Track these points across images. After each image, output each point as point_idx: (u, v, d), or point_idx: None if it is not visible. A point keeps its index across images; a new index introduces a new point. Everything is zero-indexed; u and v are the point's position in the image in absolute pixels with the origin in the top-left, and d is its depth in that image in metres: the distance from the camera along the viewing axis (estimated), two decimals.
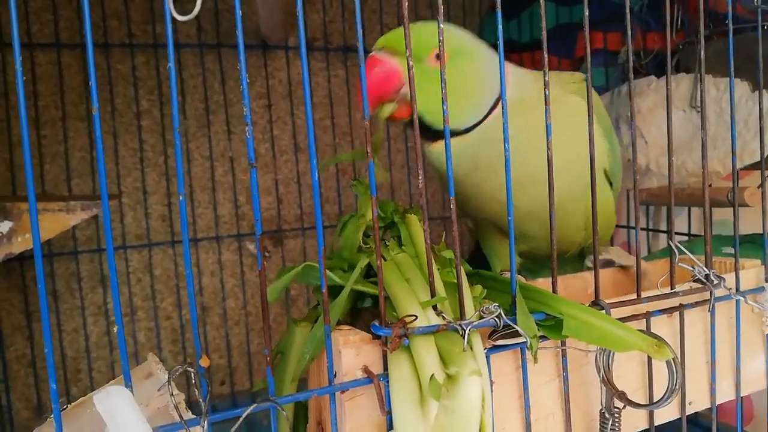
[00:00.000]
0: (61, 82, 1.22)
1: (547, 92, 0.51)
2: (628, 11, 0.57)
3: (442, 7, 0.46)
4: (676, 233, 1.12)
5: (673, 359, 0.49)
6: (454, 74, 0.61)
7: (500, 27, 0.48)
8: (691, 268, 0.59)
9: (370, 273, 0.55)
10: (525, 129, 0.65)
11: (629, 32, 0.57)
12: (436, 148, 0.66)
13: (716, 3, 1.04)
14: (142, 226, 1.30)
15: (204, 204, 1.35)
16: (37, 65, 1.21)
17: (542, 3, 0.50)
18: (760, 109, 0.70)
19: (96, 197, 0.92)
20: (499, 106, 0.64)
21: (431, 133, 0.64)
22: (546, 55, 0.50)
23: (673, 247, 0.58)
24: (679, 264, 0.58)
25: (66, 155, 1.23)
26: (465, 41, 0.66)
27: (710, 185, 1.04)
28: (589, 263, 0.83)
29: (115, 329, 0.39)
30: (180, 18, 0.34)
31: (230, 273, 1.37)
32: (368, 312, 0.57)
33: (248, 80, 1.33)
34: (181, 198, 0.41)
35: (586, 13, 0.53)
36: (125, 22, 1.26)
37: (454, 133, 0.63)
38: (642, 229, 1.21)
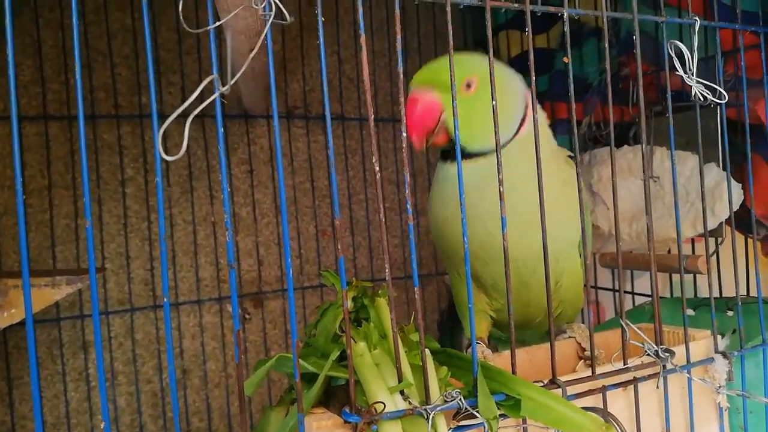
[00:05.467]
0: (47, 153, 1.26)
1: (497, 175, 0.56)
2: (572, 90, 0.63)
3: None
4: (641, 294, 1.17)
5: None
6: (485, 99, 0.61)
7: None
8: (642, 345, 0.63)
9: (343, 356, 0.58)
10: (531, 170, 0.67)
11: (572, 107, 0.63)
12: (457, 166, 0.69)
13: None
14: (124, 290, 1.32)
15: (186, 268, 1.38)
16: (24, 136, 1.25)
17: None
18: (702, 187, 0.76)
19: (81, 271, 0.95)
20: (523, 129, 0.72)
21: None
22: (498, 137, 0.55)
23: (623, 324, 0.63)
24: (631, 341, 0.63)
25: (51, 223, 1.26)
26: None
27: (669, 251, 1.10)
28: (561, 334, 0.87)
29: (102, 425, 0.42)
30: (168, 158, 0.38)
31: (211, 335, 1.39)
32: (342, 390, 0.60)
33: (231, 147, 1.38)
34: (165, 300, 0.45)
35: (533, 90, 0.58)
36: (112, 93, 1.31)
37: (482, 153, 0.70)
38: (608, 289, 1.26)
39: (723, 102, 0.67)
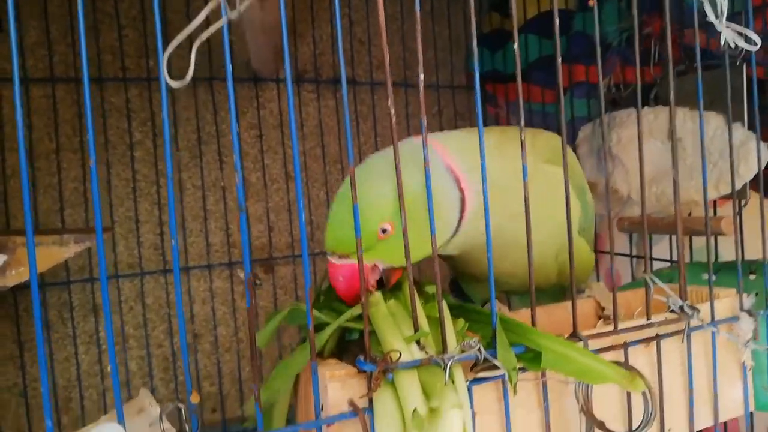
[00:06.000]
0: (55, 115, 1.24)
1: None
2: (598, 47, 0.60)
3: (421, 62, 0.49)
4: (659, 260, 1.15)
5: (648, 390, 0.51)
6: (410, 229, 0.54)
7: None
8: (666, 300, 0.61)
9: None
10: (503, 208, 0.64)
11: (599, 67, 0.60)
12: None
13: (692, 38, 1.08)
14: (134, 255, 1.31)
15: (196, 233, 1.36)
16: (31, 99, 1.23)
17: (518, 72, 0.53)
18: (731, 145, 0.73)
19: (89, 230, 0.94)
20: (466, 213, 0.63)
21: None
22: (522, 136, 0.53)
23: (648, 279, 0.60)
24: (655, 296, 0.61)
25: (59, 186, 1.24)
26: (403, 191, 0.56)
27: (690, 214, 1.07)
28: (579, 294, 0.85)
29: (108, 369, 0.41)
30: (174, 84, 0.36)
31: (221, 301, 1.38)
32: (355, 345, 0.59)
33: (240, 111, 1.35)
34: (173, 241, 0.43)
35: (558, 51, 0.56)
36: (119, 56, 1.29)
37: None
38: (625, 255, 1.24)
39: (756, 48, 0.64)
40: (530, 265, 0.55)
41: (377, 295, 0.55)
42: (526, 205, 0.54)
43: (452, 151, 0.63)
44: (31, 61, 1.23)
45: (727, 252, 1.16)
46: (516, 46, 0.54)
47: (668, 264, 1.12)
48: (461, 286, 0.87)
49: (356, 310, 0.57)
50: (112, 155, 1.29)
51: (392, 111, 0.49)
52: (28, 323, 1.22)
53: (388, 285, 0.60)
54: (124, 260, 1.31)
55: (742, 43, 0.63)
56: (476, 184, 0.62)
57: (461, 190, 0.62)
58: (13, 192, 1.21)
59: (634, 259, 1.25)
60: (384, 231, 0.58)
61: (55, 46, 1.25)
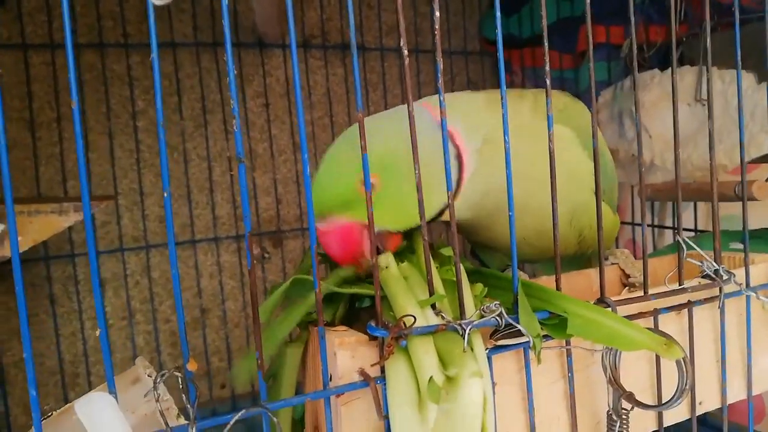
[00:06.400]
0: (55, 83, 1.20)
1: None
2: (632, 3, 0.55)
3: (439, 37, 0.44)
4: (683, 229, 1.10)
5: (683, 358, 0.47)
6: (397, 185, 0.53)
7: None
8: (700, 264, 0.57)
9: (368, 274, 0.53)
10: (502, 169, 0.58)
11: (633, 26, 0.56)
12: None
13: None
14: (139, 228, 1.28)
15: (202, 205, 1.33)
16: (31, 66, 1.19)
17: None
18: None
19: (90, 198, 0.90)
20: (466, 166, 0.58)
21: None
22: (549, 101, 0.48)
23: (681, 242, 0.56)
24: (688, 259, 0.56)
25: (61, 157, 1.21)
26: (388, 146, 0.54)
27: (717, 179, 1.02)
28: (596, 262, 0.81)
29: (98, 332, 0.38)
30: (157, 2, 0.32)
31: (229, 275, 1.35)
32: (366, 312, 0.55)
33: (246, 79, 1.30)
34: (165, 195, 0.39)
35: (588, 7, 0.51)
36: (120, 22, 1.25)
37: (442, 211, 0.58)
38: (648, 225, 1.19)
39: None
40: (555, 227, 0.50)
41: (388, 256, 0.51)
42: (551, 171, 0.49)
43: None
44: (30, 27, 1.19)
45: (753, 221, 1.11)
46: (543, 6, 0.49)
47: (692, 233, 1.07)
48: (480, 257, 0.83)
49: (347, 271, 0.54)
50: (115, 125, 1.26)
51: (404, 49, 0.45)
52: (32, 297, 1.20)
53: (393, 249, 0.55)
54: (129, 233, 1.28)
55: None
56: (474, 141, 0.58)
57: (456, 146, 0.57)
58: (15, 162, 1.18)
59: (656, 229, 1.20)
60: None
61: (55, 11, 1.21)
